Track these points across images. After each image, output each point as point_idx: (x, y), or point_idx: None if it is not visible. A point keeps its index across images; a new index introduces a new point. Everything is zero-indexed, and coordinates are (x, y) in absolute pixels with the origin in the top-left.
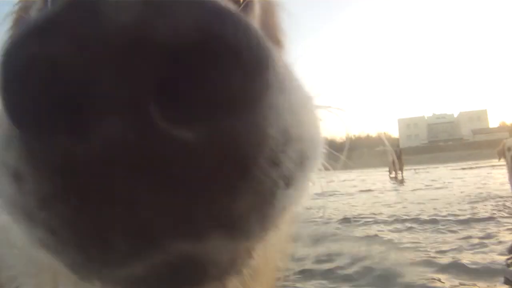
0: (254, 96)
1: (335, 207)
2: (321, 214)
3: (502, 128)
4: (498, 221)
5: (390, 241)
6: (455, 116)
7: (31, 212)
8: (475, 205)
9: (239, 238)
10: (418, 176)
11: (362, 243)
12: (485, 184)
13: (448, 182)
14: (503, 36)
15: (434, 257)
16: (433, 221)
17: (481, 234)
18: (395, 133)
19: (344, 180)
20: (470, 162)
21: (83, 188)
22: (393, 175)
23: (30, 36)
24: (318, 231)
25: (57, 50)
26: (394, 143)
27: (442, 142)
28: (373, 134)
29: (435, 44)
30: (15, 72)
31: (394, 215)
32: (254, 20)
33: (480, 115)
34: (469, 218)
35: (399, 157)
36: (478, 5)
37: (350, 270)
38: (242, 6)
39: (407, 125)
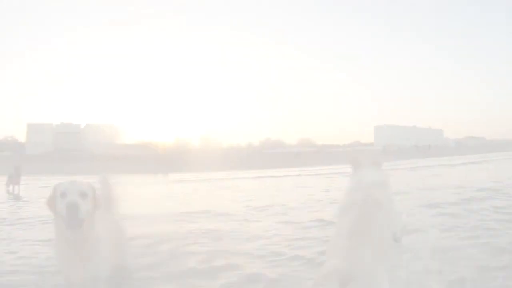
0: None
1: None
2: None
3: (140, 145)
4: None
5: None
6: (82, 126)
7: None
8: None
9: None
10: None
11: None
12: None
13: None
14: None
15: None
16: None
17: None
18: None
19: None
20: (92, 176)
21: None
22: (10, 188)
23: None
24: None
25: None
26: (20, 148)
27: (67, 152)
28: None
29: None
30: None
31: None
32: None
33: (108, 129)
34: None
35: (18, 171)
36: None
37: None
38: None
39: (36, 130)
